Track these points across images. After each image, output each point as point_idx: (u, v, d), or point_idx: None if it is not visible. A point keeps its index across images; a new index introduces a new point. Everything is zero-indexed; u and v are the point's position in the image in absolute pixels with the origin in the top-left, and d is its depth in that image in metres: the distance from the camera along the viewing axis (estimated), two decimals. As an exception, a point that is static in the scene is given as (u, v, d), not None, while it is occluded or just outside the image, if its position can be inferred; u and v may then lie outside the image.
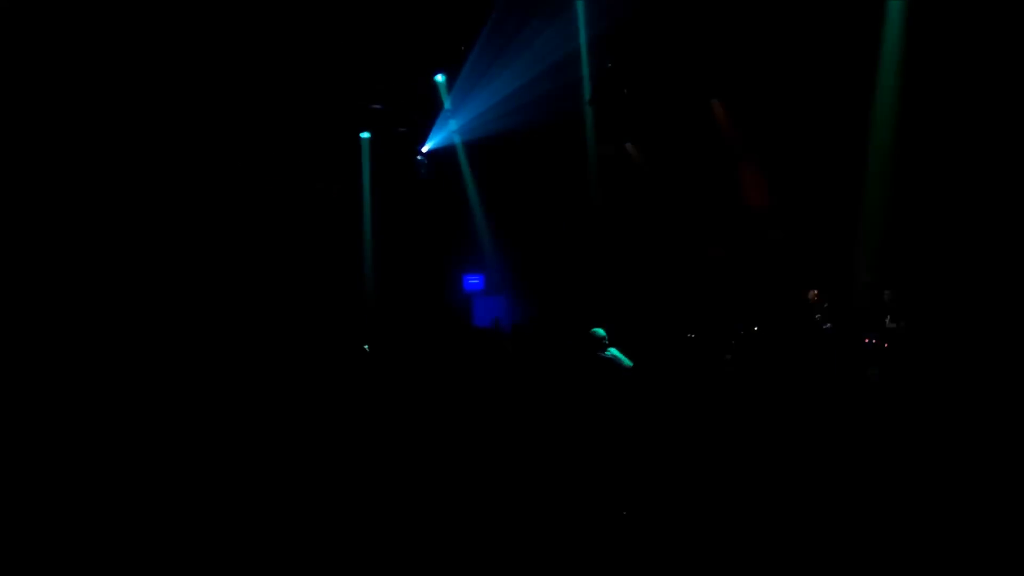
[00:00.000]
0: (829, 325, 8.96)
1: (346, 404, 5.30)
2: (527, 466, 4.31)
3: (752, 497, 3.65)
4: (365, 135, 11.85)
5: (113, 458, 4.69)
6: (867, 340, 8.59)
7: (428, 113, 11.24)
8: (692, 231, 10.99)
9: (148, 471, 4.55)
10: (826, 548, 3.21)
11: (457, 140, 11.34)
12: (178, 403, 5.58)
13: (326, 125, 10.71)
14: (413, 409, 5.17)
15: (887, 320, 8.53)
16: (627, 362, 6.23)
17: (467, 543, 3.66)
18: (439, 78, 10.94)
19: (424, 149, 11.57)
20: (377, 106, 10.95)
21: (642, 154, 11.89)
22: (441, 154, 11.61)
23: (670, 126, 11.21)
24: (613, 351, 6.23)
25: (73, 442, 4.92)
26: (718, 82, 10.72)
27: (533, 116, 10.39)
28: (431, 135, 11.39)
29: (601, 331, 6.42)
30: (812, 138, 9.79)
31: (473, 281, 12.13)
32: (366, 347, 6.94)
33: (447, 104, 10.94)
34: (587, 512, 3.73)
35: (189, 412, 5.36)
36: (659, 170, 11.73)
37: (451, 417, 5.14)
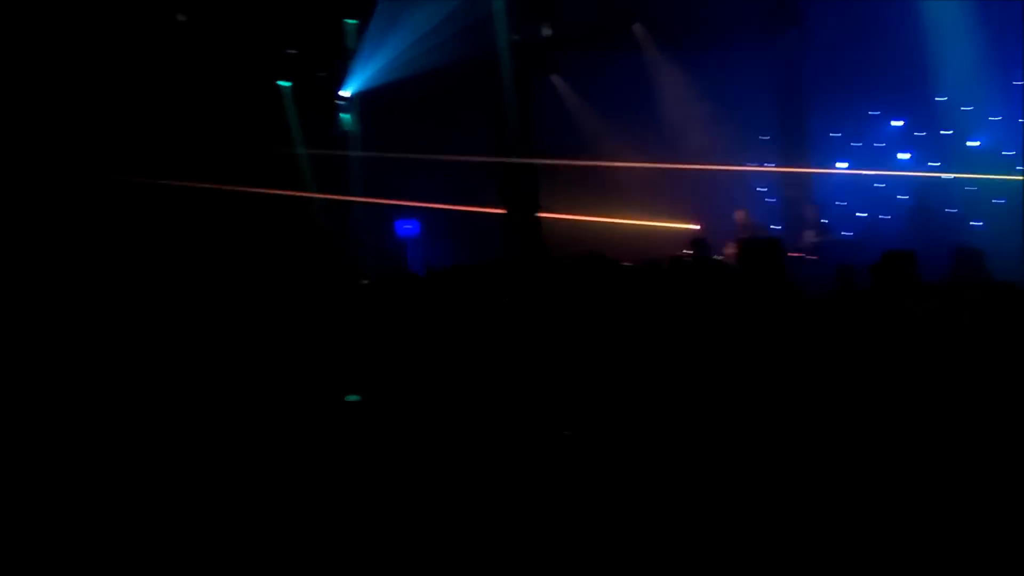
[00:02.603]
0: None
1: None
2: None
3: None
4: (285, 83, 11.46)
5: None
6: (795, 254, 8.83)
7: (346, 55, 10.90)
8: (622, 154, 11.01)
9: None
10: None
11: (357, 87, 11.04)
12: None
13: (241, 73, 10.27)
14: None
15: (808, 234, 8.78)
16: None
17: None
18: (350, 21, 10.60)
19: (345, 94, 11.24)
20: (292, 51, 10.57)
21: (569, 87, 11.80)
22: (362, 98, 11.32)
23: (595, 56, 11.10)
24: None
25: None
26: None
27: (450, 55, 10.17)
28: (350, 79, 11.07)
29: None
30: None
31: (407, 226, 11.97)
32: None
33: (355, 47, 10.63)
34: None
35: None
36: (588, 100, 11.68)
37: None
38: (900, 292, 3.92)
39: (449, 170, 10.96)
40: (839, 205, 10.04)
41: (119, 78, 9.19)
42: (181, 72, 9.62)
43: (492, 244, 10.87)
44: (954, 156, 9.29)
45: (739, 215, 9.48)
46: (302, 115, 11.36)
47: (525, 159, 10.72)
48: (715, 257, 8.43)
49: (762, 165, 10.73)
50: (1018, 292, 2.78)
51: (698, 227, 9.96)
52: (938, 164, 9.48)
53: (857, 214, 9.93)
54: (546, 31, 10.94)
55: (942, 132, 9.44)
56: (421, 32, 10.44)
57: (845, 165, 10.33)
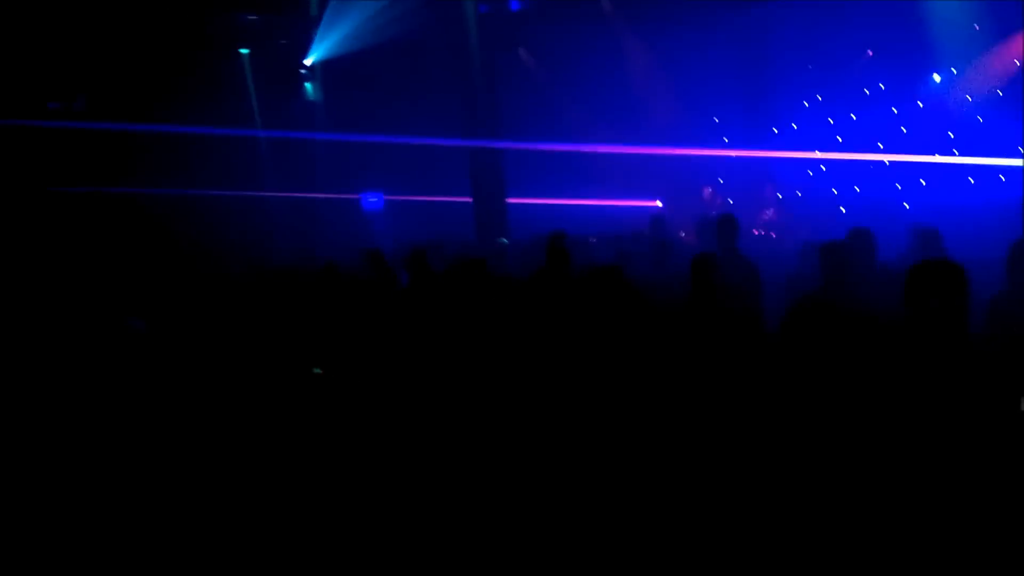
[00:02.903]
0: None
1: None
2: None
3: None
4: (244, 51, 11.15)
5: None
6: (756, 232, 8.96)
7: (310, 21, 10.64)
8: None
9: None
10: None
11: (321, 56, 10.78)
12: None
13: (197, 41, 9.94)
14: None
15: (766, 212, 8.91)
16: None
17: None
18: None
19: (307, 62, 10.98)
20: (252, 16, 10.26)
21: (535, 59, 11.69)
22: (327, 67, 11.08)
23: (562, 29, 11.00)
24: None
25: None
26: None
27: (416, 26, 9.98)
28: (313, 47, 10.80)
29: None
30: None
31: (372, 199, 11.82)
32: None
33: (315, 13, 10.37)
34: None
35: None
36: (555, 74, 11.60)
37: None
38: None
39: (415, 144, 10.82)
40: (800, 182, 10.16)
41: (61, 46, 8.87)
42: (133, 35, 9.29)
43: (460, 218, 10.78)
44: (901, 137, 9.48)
45: (706, 191, 9.64)
46: (262, 84, 11.11)
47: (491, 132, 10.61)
48: (681, 235, 8.49)
49: (725, 142, 10.78)
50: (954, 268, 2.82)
51: (659, 204, 10.02)
52: (883, 146, 9.65)
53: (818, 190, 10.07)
54: (514, 3, 10.80)
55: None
56: (386, 1, 10.22)
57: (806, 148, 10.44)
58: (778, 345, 3.69)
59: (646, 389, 3.58)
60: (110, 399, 4.59)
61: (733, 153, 10.51)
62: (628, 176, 10.89)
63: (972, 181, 8.77)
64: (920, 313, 2.81)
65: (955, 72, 9.11)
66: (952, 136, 9.07)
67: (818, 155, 10.09)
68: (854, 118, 10.01)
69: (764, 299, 4.79)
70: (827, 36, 9.71)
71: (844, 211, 9.14)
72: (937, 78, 9.31)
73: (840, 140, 10.03)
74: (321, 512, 3.85)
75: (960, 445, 2.64)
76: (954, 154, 8.97)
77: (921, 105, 9.43)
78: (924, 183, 9.11)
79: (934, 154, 8.97)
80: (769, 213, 8.97)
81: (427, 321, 4.84)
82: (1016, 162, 8.28)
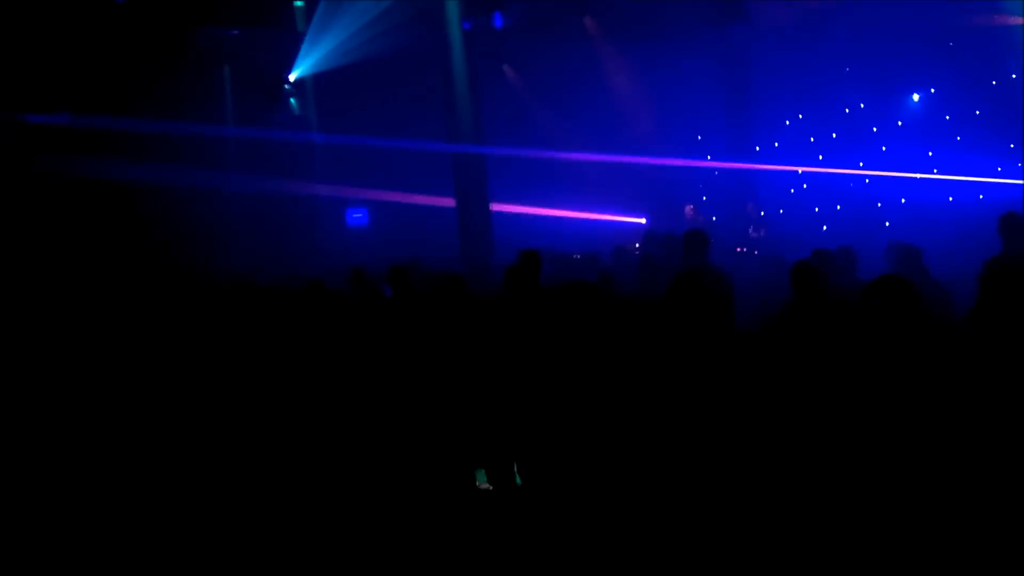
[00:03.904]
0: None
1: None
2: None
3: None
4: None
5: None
6: (739, 249, 8.98)
7: (294, 37, 10.66)
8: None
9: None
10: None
11: (306, 71, 10.79)
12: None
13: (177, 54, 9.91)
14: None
15: (751, 230, 8.95)
16: None
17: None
18: (298, 2, 10.38)
19: (291, 78, 10.99)
20: (235, 31, 10.27)
21: (519, 76, 11.76)
22: (316, 82, 11.10)
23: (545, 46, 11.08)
24: None
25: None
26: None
27: (401, 42, 10.02)
28: (298, 62, 10.81)
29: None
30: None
31: (357, 215, 11.80)
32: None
33: (302, 28, 10.40)
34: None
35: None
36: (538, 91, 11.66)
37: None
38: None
39: (400, 159, 10.84)
40: (783, 200, 10.23)
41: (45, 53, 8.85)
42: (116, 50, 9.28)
43: (443, 234, 10.76)
44: (881, 155, 9.59)
45: (688, 209, 9.65)
46: (247, 98, 11.08)
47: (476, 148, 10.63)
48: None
49: (707, 159, 10.85)
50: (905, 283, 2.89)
51: (643, 221, 10.05)
52: (861, 164, 9.76)
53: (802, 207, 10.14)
54: (498, 20, 10.87)
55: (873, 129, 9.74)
56: (371, 17, 10.26)
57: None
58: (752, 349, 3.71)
59: (619, 396, 3.58)
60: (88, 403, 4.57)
61: (715, 164, 10.55)
62: (614, 191, 10.93)
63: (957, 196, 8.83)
64: (872, 326, 2.89)
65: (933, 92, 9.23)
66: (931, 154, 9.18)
67: (799, 169, 10.15)
68: (835, 136, 10.11)
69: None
70: (808, 54, 9.82)
71: (826, 228, 9.20)
72: (916, 98, 9.44)
73: (821, 158, 10.12)
74: (305, 521, 3.85)
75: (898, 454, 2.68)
76: (934, 172, 9.07)
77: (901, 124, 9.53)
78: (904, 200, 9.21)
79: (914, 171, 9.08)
80: (751, 231, 9.02)
81: (408, 336, 4.84)
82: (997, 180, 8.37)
